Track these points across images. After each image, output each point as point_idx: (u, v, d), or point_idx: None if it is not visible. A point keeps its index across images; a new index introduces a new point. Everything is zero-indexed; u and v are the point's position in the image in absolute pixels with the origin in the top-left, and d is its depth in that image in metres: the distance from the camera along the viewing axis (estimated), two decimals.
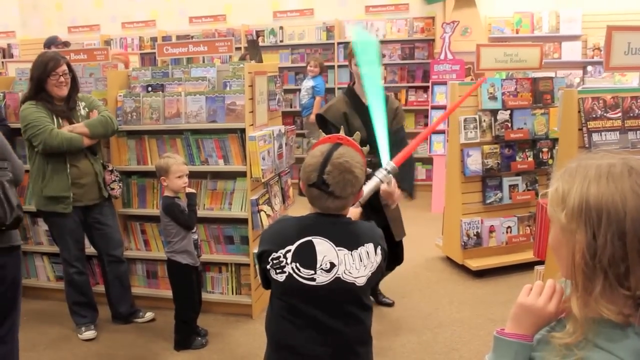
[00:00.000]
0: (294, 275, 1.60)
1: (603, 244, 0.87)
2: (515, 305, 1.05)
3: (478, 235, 4.24)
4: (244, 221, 3.52)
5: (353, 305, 1.65)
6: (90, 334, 3.41)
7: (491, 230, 4.28)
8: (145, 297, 3.81)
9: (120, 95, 3.66)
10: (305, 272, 1.60)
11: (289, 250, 1.61)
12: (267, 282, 1.72)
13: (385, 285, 3.86)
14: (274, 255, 1.62)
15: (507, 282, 4.08)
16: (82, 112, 3.34)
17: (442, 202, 4.78)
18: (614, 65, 3.20)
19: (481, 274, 4.19)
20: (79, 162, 3.25)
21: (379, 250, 1.67)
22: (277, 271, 1.62)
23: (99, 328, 3.51)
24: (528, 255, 4.08)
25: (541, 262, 3.17)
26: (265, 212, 3.52)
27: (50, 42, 5.69)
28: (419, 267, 4.46)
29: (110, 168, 3.44)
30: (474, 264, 4.19)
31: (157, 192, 3.70)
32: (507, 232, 4.31)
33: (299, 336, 1.64)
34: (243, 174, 3.49)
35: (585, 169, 0.93)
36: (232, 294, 3.67)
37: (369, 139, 3.22)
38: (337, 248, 1.61)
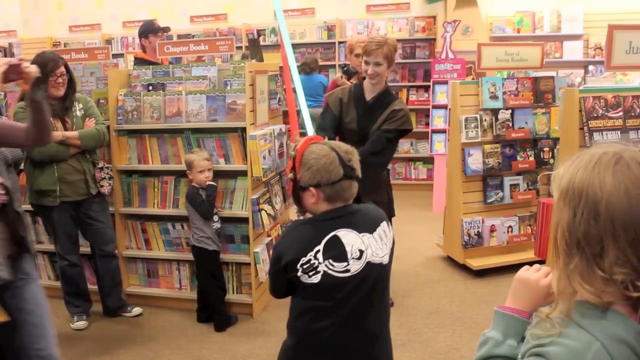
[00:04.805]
0: (329, 271, 1.62)
1: (579, 220, 0.93)
2: (514, 279, 1.11)
3: (479, 234, 4.24)
4: (244, 220, 3.52)
5: (382, 284, 1.74)
6: (81, 324, 3.53)
7: (492, 229, 4.27)
8: (145, 296, 3.82)
9: (121, 94, 3.66)
10: (339, 265, 1.63)
11: (318, 251, 1.62)
12: (286, 290, 1.74)
13: None
14: (303, 260, 1.62)
15: (508, 281, 4.03)
16: (78, 112, 3.38)
17: (443, 201, 4.78)
18: (616, 64, 3.19)
19: (482, 273, 4.18)
20: (67, 160, 3.32)
21: (389, 226, 1.78)
22: (311, 274, 1.62)
23: (99, 327, 3.53)
24: (529, 255, 4.08)
25: (542, 262, 3.17)
26: (266, 211, 3.52)
27: (148, 31, 4.66)
28: (419, 267, 4.46)
29: (100, 165, 3.47)
30: (475, 263, 4.19)
31: (158, 191, 3.71)
32: (508, 232, 4.30)
33: (341, 331, 1.66)
34: (244, 173, 3.49)
35: (582, 156, 0.99)
36: (233, 293, 3.66)
37: (361, 133, 3.26)
38: (360, 234, 1.67)
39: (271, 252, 1.76)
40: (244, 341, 3.31)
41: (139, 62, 4.58)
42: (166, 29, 4.80)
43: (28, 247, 2.20)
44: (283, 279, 1.69)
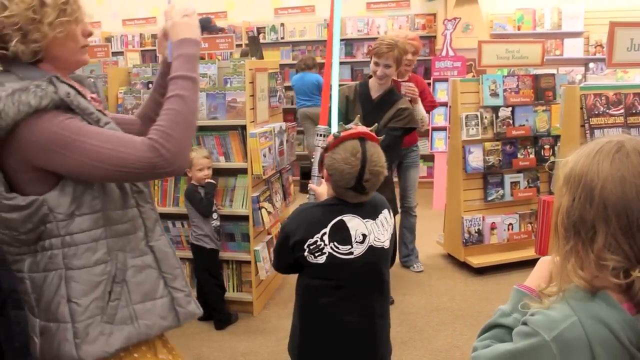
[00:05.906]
0: (334, 253, 1.73)
1: (577, 203, 0.98)
2: (537, 262, 1.19)
3: (479, 232, 4.23)
4: (244, 218, 3.52)
5: (383, 266, 1.84)
6: None
7: (492, 227, 4.27)
8: None
9: (120, 92, 3.65)
10: (343, 248, 1.74)
11: (325, 233, 1.73)
12: (290, 267, 1.84)
13: None
14: (310, 241, 1.73)
15: (509, 279, 4.07)
16: None
17: (444, 199, 4.77)
18: (617, 61, 3.19)
19: (482, 271, 4.18)
20: None
21: (391, 213, 1.90)
22: (317, 254, 1.73)
23: None
24: (529, 253, 4.08)
25: None
26: (266, 209, 3.52)
27: (204, 28, 4.59)
28: None
29: None
30: (475, 261, 4.18)
31: (158, 189, 3.70)
32: (508, 229, 4.30)
33: (344, 309, 1.77)
34: (244, 171, 3.49)
35: (588, 145, 1.02)
36: (233, 291, 3.66)
37: None
38: (364, 220, 1.77)
39: (278, 230, 1.83)
40: (244, 339, 3.31)
41: None
42: (222, 30, 4.91)
43: None
44: (289, 257, 1.80)
